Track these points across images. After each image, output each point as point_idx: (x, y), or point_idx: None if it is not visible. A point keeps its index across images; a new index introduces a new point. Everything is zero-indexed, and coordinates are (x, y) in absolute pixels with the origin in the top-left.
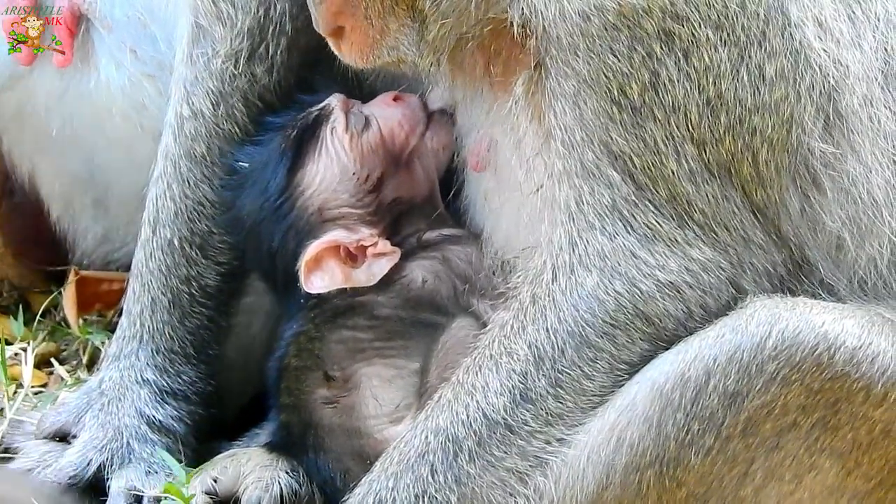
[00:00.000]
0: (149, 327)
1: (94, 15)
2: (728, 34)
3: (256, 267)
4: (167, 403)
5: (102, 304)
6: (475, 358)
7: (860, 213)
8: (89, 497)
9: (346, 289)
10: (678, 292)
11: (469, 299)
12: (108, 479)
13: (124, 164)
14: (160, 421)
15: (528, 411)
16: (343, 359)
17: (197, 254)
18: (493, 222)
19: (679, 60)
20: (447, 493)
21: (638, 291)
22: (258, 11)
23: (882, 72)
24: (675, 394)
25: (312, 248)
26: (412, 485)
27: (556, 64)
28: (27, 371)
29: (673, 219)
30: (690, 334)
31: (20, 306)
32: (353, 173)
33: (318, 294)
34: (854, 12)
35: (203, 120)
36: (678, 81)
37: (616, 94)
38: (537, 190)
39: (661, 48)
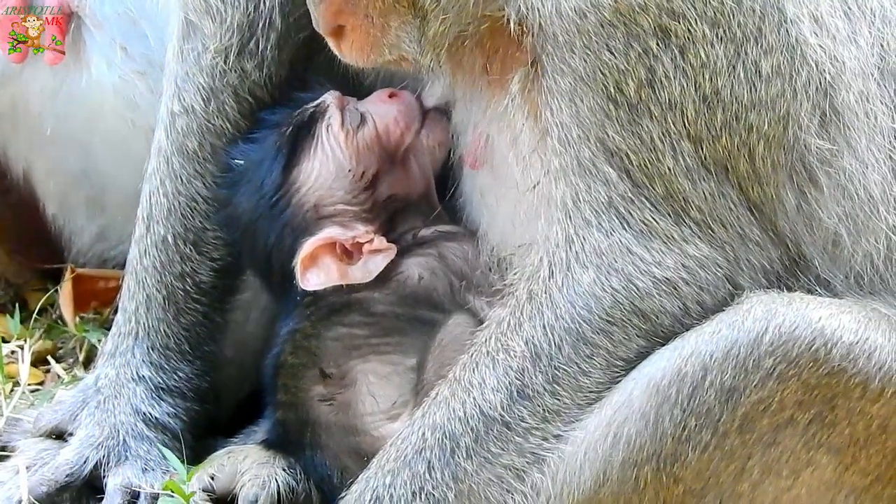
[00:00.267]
0: (144, 324)
1: (85, 12)
2: (724, 31)
3: (252, 264)
4: (163, 400)
5: (99, 301)
6: (472, 354)
7: (856, 209)
8: (86, 495)
9: (342, 286)
10: (674, 289)
11: (465, 296)
12: (104, 476)
13: (118, 161)
14: (156, 418)
15: (524, 408)
16: (339, 356)
17: (191, 250)
18: (490, 219)
19: (675, 57)
20: (444, 489)
21: (634, 288)
22: (248, 7)
23: (878, 68)
24: (671, 390)
25: (308, 245)
26: (409, 481)
27: (553, 61)
28: (24, 369)
29: (669, 215)
30: (687, 330)
31: (16, 304)
32: (349, 170)
33: (314, 291)
34: (850, 8)
35: (194, 116)
36: (674, 78)
37: (612, 90)
38: (534, 187)
39: (658, 45)
